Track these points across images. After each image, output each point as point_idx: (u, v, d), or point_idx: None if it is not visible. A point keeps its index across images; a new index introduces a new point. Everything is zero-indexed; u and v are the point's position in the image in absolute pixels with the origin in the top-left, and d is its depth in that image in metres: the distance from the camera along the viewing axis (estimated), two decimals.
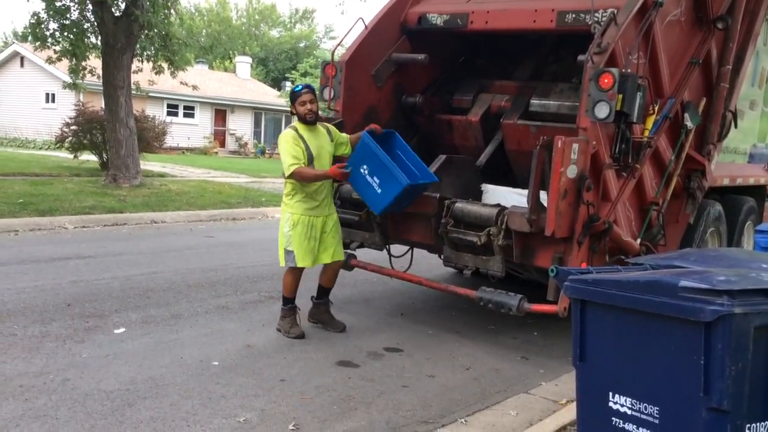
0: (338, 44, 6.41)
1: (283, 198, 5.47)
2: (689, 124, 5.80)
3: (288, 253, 5.32)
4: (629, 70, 4.89)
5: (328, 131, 5.52)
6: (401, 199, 5.21)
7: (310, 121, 5.31)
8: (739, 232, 7.32)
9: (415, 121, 6.88)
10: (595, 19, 5.18)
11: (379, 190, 5.21)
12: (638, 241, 5.41)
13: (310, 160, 5.27)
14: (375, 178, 5.21)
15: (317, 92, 5.82)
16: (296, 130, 5.33)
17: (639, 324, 2.07)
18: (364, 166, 5.24)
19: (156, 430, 3.68)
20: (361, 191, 5.38)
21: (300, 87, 5.38)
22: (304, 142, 5.26)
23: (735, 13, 6.06)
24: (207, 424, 3.80)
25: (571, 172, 4.70)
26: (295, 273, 5.42)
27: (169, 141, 26.38)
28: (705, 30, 5.95)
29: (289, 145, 5.22)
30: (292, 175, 5.18)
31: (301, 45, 50.71)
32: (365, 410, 4.13)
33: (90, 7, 13.71)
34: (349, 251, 6.03)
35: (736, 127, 6.39)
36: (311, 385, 4.45)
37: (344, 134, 5.64)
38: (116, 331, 5.25)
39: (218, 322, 5.67)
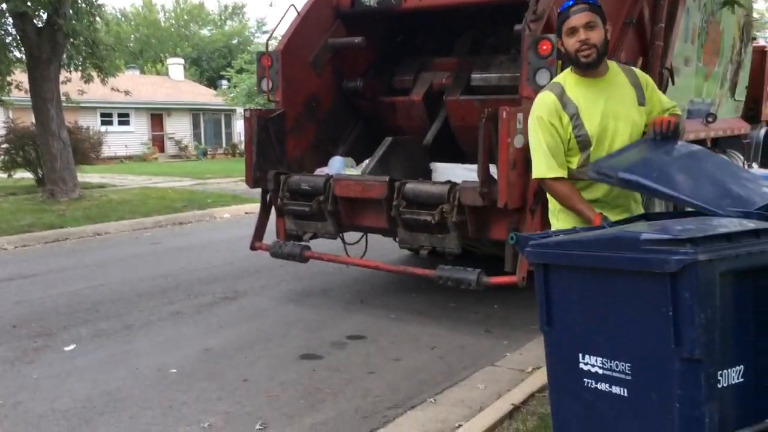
0: (271, 34, 6.26)
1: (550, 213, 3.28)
2: None
3: None
4: None
5: (636, 83, 3.08)
6: None
7: (586, 63, 2.92)
8: None
9: (357, 105, 6.79)
10: None
11: None
12: None
13: (584, 146, 3.00)
14: None
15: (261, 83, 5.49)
16: (561, 90, 3.02)
17: (604, 282, 2.03)
18: None
19: None
20: None
21: (570, 2, 2.94)
22: (574, 111, 2.98)
23: None
24: None
25: (518, 141, 4.68)
26: None
27: (106, 151, 25.69)
28: None
29: (538, 133, 3.03)
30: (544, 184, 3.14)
31: (234, 42, 49.84)
32: (333, 401, 4.05)
33: (10, 20, 13.16)
34: (302, 243, 5.92)
35: (673, 83, 6.46)
36: (276, 382, 4.34)
37: (664, 99, 3.20)
38: (66, 349, 5.03)
39: (173, 329, 5.49)
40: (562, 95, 3.01)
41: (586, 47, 2.88)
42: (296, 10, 6.21)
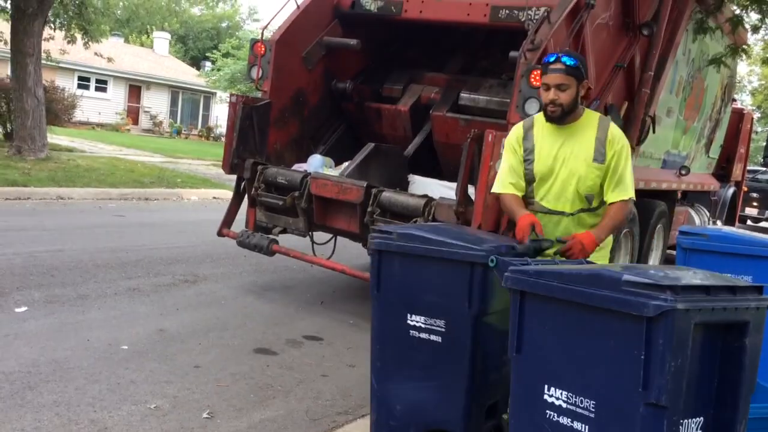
0: (269, 23, 6.23)
1: None
2: None
3: None
4: None
5: (602, 141, 3.28)
6: None
7: (549, 118, 3.29)
8: (650, 234, 7.58)
9: (343, 107, 6.78)
10: (529, 15, 5.23)
11: None
12: None
13: (529, 180, 3.38)
14: None
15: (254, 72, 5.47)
16: (530, 125, 3.43)
17: (579, 317, 2.05)
18: None
19: (59, 415, 3.45)
20: None
21: (553, 56, 3.26)
22: (530, 147, 3.37)
23: (660, 20, 6.24)
24: (115, 410, 3.59)
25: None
26: None
27: (79, 115, 25.29)
28: (631, 35, 6.09)
29: (505, 153, 3.49)
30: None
31: (224, 25, 49.40)
32: (283, 399, 4.02)
33: None
34: (271, 236, 5.88)
35: (654, 132, 6.58)
36: (227, 373, 4.29)
37: (625, 178, 3.32)
38: (17, 310, 4.91)
39: (128, 305, 5.40)
40: (528, 130, 3.43)
41: (552, 105, 3.24)
42: (296, 2, 6.19)
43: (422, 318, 2.89)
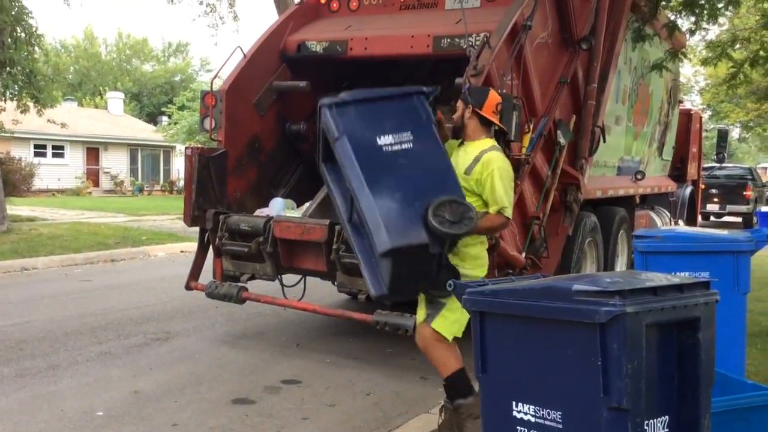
0: (216, 74, 6.29)
1: None
2: (562, 140, 6.07)
3: None
4: (504, 91, 5.06)
5: (476, 160, 3.96)
6: None
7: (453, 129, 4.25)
8: (614, 240, 7.71)
9: (300, 148, 6.83)
10: (470, 42, 5.36)
11: None
12: (523, 254, 5.57)
13: None
14: None
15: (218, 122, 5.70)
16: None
17: (537, 331, 2.10)
18: None
19: None
20: None
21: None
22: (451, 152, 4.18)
23: (597, 34, 6.43)
24: None
25: None
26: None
27: (38, 183, 25.04)
28: (571, 51, 6.27)
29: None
30: None
31: (177, 79, 49.49)
32: None
33: None
34: (239, 284, 5.85)
35: (604, 141, 6.74)
36: (206, 428, 4.24)
37: (495, 197, 3.91)
38: None
39: (101, 370, 5.32)
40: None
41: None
42: (242, 51, 6.26)
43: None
